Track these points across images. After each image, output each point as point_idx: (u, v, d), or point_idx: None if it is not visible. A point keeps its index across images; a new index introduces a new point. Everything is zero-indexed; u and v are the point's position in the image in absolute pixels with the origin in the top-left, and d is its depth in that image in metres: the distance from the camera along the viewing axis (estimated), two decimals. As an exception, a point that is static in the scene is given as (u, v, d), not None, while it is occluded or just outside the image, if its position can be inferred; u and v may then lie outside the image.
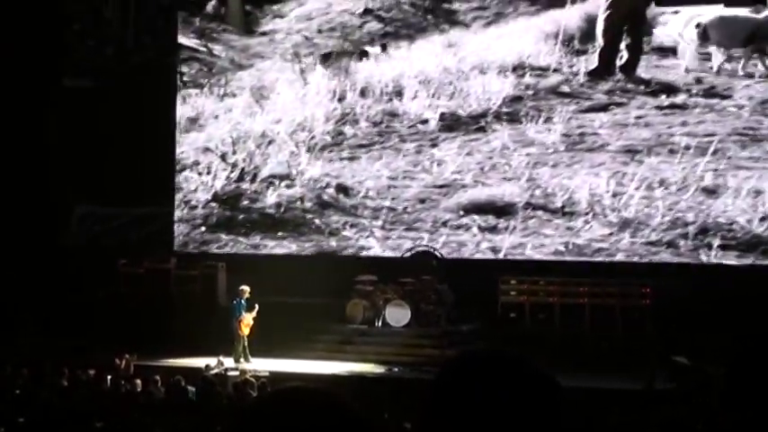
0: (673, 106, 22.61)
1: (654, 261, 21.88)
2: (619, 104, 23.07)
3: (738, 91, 22.19)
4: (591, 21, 23.38)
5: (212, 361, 19.33)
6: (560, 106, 23.43)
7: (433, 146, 24.30)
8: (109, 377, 16.37)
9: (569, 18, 23.58)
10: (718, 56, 22.34)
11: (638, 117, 22.87)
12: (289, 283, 22.27)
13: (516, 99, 23.80)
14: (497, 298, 21.79)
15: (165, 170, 25.69)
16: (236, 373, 18.55)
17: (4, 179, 25.26)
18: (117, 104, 25.30)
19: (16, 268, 23.91)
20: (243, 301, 20.59)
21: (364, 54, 25.05)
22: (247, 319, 20.44)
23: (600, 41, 23.28)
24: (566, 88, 23.53)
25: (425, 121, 24.41)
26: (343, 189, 24.72)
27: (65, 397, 14.38)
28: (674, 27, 22.43)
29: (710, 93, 22.39)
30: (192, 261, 24.34)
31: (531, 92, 23.75)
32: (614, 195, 22.58)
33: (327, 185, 24.85)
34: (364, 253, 24.10)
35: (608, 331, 20.51)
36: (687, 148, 22.27)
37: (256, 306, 20.52)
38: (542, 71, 23.76)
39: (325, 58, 25.26)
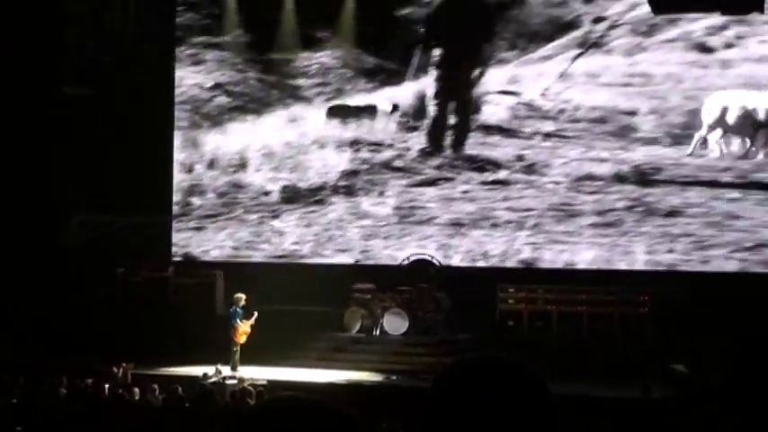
0: (496, 182, 23.87)
1: (652, 269, 22.13)
2: (447, 179, 24.34)
3: (555, 168, 23.39)
4: (422, 98, 24.66)
5: (210, 369, 19.22)
6: (393, 180, 24.81)
7: (275, 217, 25.39)
8: (107, 386, 16.28)
9: (404, 96, 24.86)
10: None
11: (464, 192, 24.15)
12: (287, 291, 22.22)
13: (352, 173, 25.07)
14: (496, 306, 21.85)
15: (164, 178, 25.71)
16: (234, 381, 18.47)
17: (4, 185, 25.14)
18: (116, 111, 25.22)
19: (15, 275, 23.78)
20: (239, 309, 20.49)
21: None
22: (244, 327, 20.34)
23: (430, 119, 24.42)
24: (399, 163, 24.86)
25: (268, 193, 25.46)
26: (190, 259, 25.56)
27: (62, 405, 14.28)
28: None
29: (530, 169, 23.62)
30: (190, 269, 24.44)
31: (366, 166, 25.03)
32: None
33: (175, 254, 25.73)
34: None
35: (606, 339, 20.54)
36: (508, 222, 23.59)
37: (255, 313, 20.43)
38: (377, 146, 25.01)
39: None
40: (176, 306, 23.50)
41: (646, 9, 22.32)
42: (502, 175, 23.96)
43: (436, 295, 21.98)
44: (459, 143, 24.29)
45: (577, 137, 23.52)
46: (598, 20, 23.48)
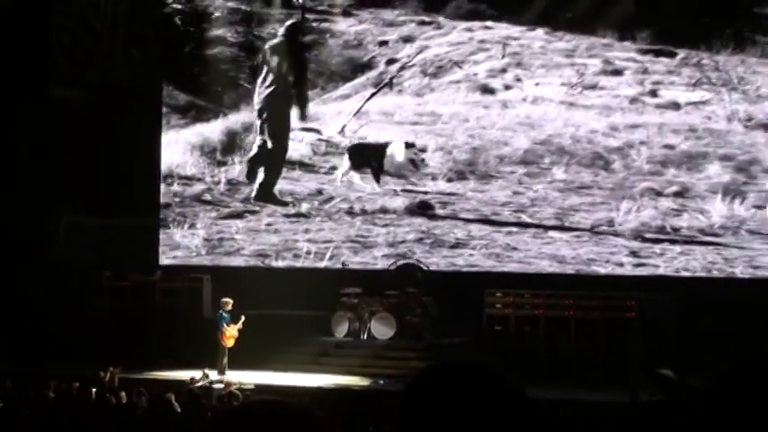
0: (298, 215, 24.89)
1: (639, 274, 22.40)
2: (252, 212, 25.36)
3: (352, 201, 24.63)
4: (231, 135, 25.69)
5: (197, 373, 19.17)
6: (203, 213, 25.59)
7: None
8: (94, 390, 16.19)
9: (212, 131, 25.82)
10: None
11: (269, 224, 25.14)
12: (274, 295, 22.23)
13: (165, 206, 25.87)
14: (483, 310, 21.79)
15: (151, 182, 25.56)
16: (222, 385, 18.37)
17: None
18: (105, 116, 25.01)
19: (1, 279, 23.69)
20: (225, 314, 20.54)
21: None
22: (231, 331, 20.37)
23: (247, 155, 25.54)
24: (208, 196, 25.71)
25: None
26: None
27: (49, 410, 14.22)
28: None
29: (329, 203, 24.80)
30: (177, 274, 24.26)
31: (177, 199, 25.84)
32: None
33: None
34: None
35: (593, 344, 20.57)
36: (308, 253, 24.56)
37: (242, 317, 20.48)
38: (188, 180, 25.90)
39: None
40: (163, 310, 23.33)
41: (434, 52, 24.11)
42: (303, 208, 24.99)
43: (424, 300, 22.07)
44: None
45: (372, 172, 24.71)
46: (391, 61, 24.87)
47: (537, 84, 23.90)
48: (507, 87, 24.14)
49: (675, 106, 22.94)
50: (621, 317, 20.82)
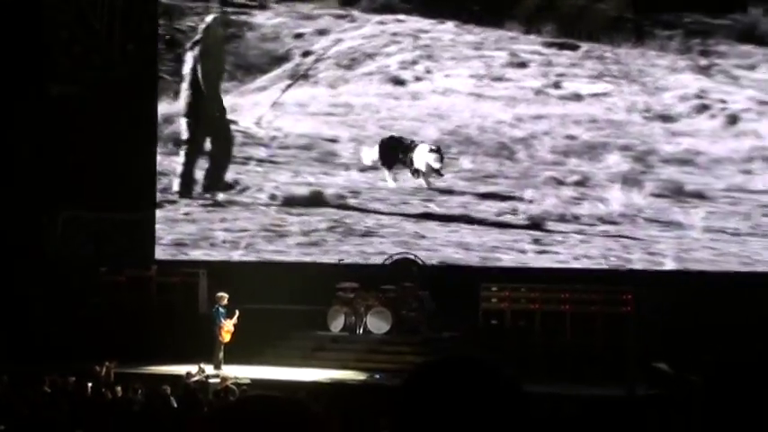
0: (215, 204, 25.46)
1: (635, 268, 22.46)
2: (170, 202, 25.77)
3: (266, 191, 25.07)
4: None
5: (193, 368, 19.05)
6: None
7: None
8: (89, 384, 16.09)
9: None
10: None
11: (186, 214, 25.65)
12: (270, 290, 22.23)
13: None
14: (479, 305, 21.82)
15: (148, 178, 25.57)
16: (217, 380, 18.30)
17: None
18: (102, 111, 25.07)
19: None
20: (221, 308, 20.53)
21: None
22: (227, 326, 20.37)
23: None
24: None
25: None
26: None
27: (45, 404, 14.15)
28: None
29: (245, 193, 25.21)
30: (173, 268, 24.24)
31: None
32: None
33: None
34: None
35: (589, 338, 20.58)
36: (224, 242, 25.15)
37: (237, 312, 20.44)
38: None
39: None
40: (159, 305, 23.36)
41: (348, 44, 24.55)
42: (220, 197, 25.45)
43: (420, 294, 22.05)
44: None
45: (287, 162, 25.18)
46: (306, 54, 25.33)
47: (446, 75, 24.37)
48: (418, 79, 24.59)
49: (578, 98, 23.46)
50: (618, 311, 20.88)
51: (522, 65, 23.96)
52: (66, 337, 21.87)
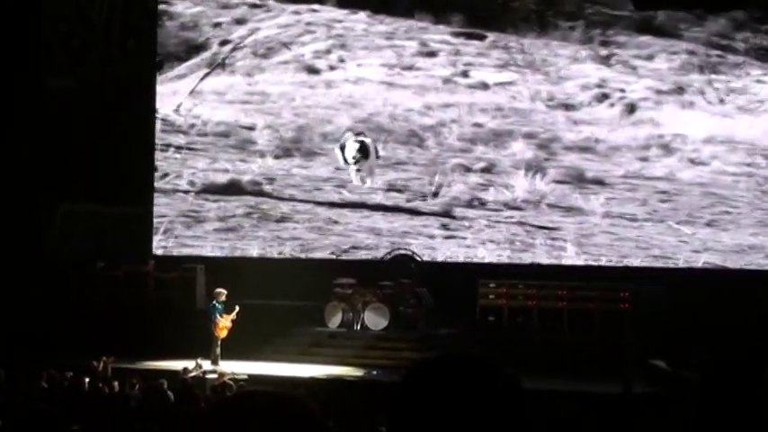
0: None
1: (632, 265, 22.54)
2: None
3: (185, 177, 25.57)
4: None
5: (190, 364, 19.08)
6: None
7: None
8: (87, 380, 16.07)
9: None
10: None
11: None
12: (268, 285, 22.27)
13: None
14: (476, 301, 21.76)
15: (145, 173, 25.69)
16: (215, 375, 18.32)
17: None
18: (100, 106, 25.20)
19: None
20: (218, 304, 20.55)
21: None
22: (224, 322, 20.38)
23: None
24: None
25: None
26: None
27: (42, 400, 14.03)
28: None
29: (164, 179, 25.74)
30: (171, 264, 24.21)
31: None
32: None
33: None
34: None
35: (586, 335, 20.50)
36: None
37: (236, 308, 20.43)
38: None
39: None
40: (156, 300, 23.39)
41: (264, 34, 25.11)
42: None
43: (417, 290, 22.05)
44: None
45: (205, 149, 25.71)
46: (224, 42, 25.78)
47: (359, 65, 24.91)
48: (332, 68, 25.12)
49: (484, 86, 24.03)
50: (615, 308, 20.79)
51: (432, 54, 24.51)
52: (64, 332, 21.92)
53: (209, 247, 25.14)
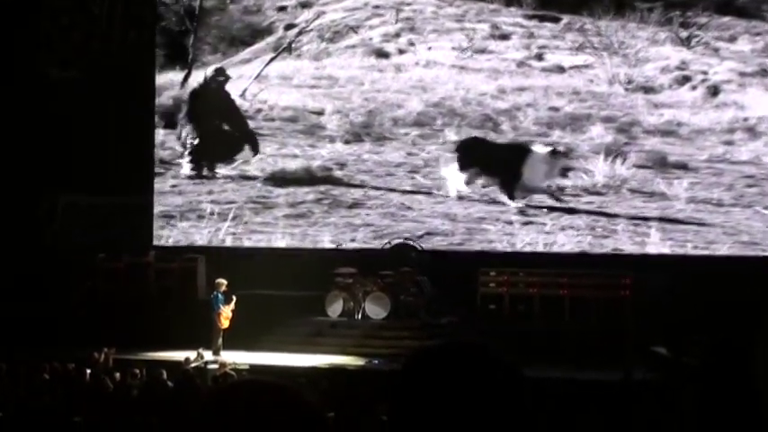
0: (201, 176, 25.58)
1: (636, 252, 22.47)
2: (157, 174, 25.88)
3: (253, 163, 25.29)
4: None
5: (192, 354, 18.95)
6: None
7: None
8: (88, 371, 16.09)
9: None
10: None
11: (173, 186, 25.77)
12: (268, 275, 22.26)
13: None
14: (477, 290, 21.80)
15: (146, 163, 25.62)
16: (216, 366, 18.22)
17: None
18: (101, 97, 24.97)
19: None
20: (220, 294, 20.55)
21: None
22: (226, 312, 20.41)
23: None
24: None
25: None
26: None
27: (43, 392, 14.07)
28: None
29: (231, 165, 25.45)
30: (172, 254, 24.19)
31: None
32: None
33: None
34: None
35: (587, 322, 20.52)
36: (212, 213, 25.12)
37: (234, 298, 20.47)
38: None
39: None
40: (158, 291, 23.38)
41: (330, 17, 24.70)
42: (205, 170, 25.61)
43: (418, 279, 22.03)
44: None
45: (272, 134, 25.36)
46: (289, 27, 25.43)
47: (429, 48, 24.63)
48: (401, 51, 24.86)
49: (560, 70, 23.78)
50: (616, 295, 20.84)
51: (504, 37, 24.22)
52: (65, 323, 21.92)
53: (280, 234, 24.79)
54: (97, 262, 23.79)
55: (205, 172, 25.44)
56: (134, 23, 26.35)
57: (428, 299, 22.01)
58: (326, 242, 24.38)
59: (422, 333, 20.67)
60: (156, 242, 25.21)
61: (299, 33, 25.36)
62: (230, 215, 25.09)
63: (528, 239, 23.22)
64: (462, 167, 23.71)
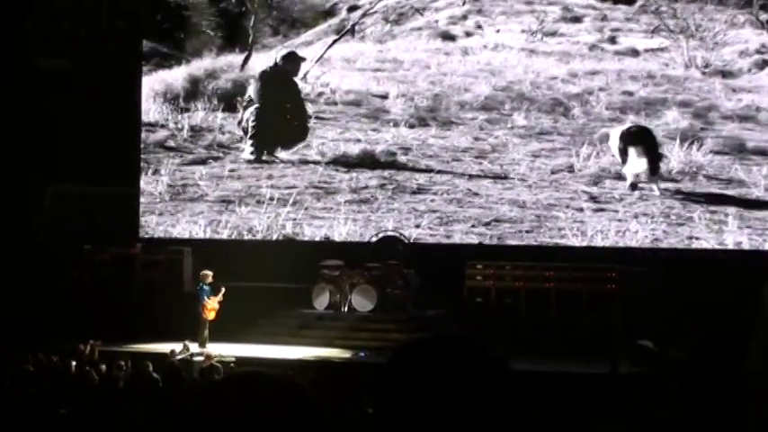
0: (260, 161, 25.05)
1: (622, 245, 22.29)
2: (215, 158, 25.37)
3: (314, 148, 24.74)
4: (194, 81, 25.79)
5: (178, 346, 18.96)
6: (166, 159, 25.70)
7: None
8: (74, 363, 16.10)
9: (175, 78, 25.97)
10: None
11: (232, 170, 25.23)
12: (255, 267, 22.08)
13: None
14: (464, 283, 21.67)
15: (133, 152, 25.59)
16: (202, 358, 18.21)
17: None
18: (90, 85, 24.79)
19: None
20: (206, 286, 20.53)
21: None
22: (211, 304, 20.36)
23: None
24: (171, 143, 25.80)
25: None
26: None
27: (29, 383, 14.12)
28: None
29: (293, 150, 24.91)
30: (158, 246, 24.13)
31: (141, 145, 25.91)
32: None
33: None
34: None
35: (574, 315, 20.45)
36: (272, 198, 24.59)
37: (222, 289, 20.41)
38: (151, 126, 26.03)
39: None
40: (144, 283, 23.31)
41: (395, -1, 24.21)
42: (266, 154, 25.08)
43: (404, 272, 21.95)
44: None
45: (334, 118, 24.83)
46: (353, 8, 24.94)
47: (497, 31, 24.14)
48: (468, 34, 24.38)
49: (634, 53, 23.26)
50: (602, 289, 20.70)
51: (576, 20, 23.68)
52: (51, 315, 21.81)
53: (342, 220, 24.24)
54: (83, 253, 23.67)
55: (265, 156, 24.88)
56: (122, 13, 26.20)
57: (415, 292, 21.93)
58: (390, 227, 23.74)
59: (408, 326, 20.64)
60: (213, 228, 24.68)
61: (363, 15, 24.90)
62: (290, 200, 24.54)
63: (599, 227, 22.62)
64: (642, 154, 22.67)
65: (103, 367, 15.76)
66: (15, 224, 24.83)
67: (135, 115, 25.63)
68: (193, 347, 19.30)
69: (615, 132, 22.73)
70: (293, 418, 2.20)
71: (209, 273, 20.61)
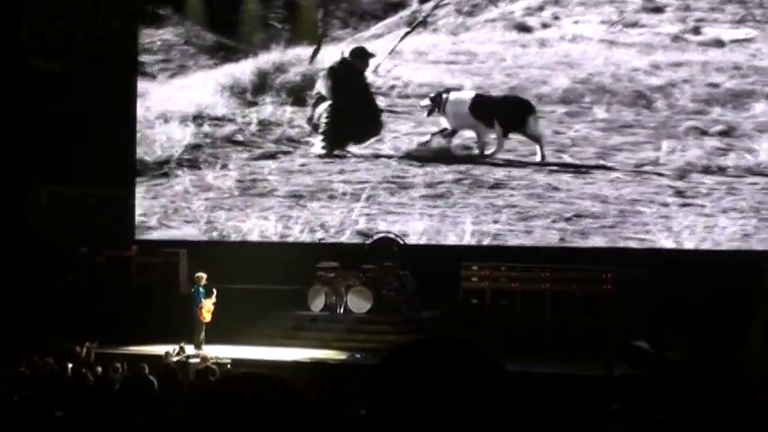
0: (333, 156, 24.61)
1: (616, 246, 22.22)
2: (285, 153, 24.94)
3: (387, 142, 24.26)
4: (262, 75, 25.37)
5: (173, 348, 18.96)
6: (235, 154, 25.32)
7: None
8: (70, 365, 16.05)
9: (242, 72, 25.51)
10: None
11: (302, 165, 24.84)
12: (251, 269, 21.95)
13: (196, 147, 25.56)
14: (459, 284, 21.68)
15: (129, 154, 25.52)
16: (198, 360, 18.23)
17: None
18: (86, 86, 24.65)
19: None
20: (201, 288, 20.58)
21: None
22: (207, 305, 20.41)
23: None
24: (239, 137, 25.40)
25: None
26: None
27: (24, 386, 14.06)
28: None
29: (365, 144, 24.45)
30: (153, 249, 24.09)
31: (209, 140, 25.51)
32: (281, 237, 24.29)
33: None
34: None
35: (569, 317, 20.47)
36: (344, 194, 24.14)
37: (214, 291, 20.43)
38: (219, 121, 25.54)
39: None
40: (139, 286, 23.32)
41: (469, -11, 23.68)
42: (338, 149, 24.63)
43: (400, 274, 21.92)
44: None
45: (407, 112, 24.30)
46: (424, 0, 24.37)
47: (575, 22, 23.58)
48: (545, 26, 23.82)
49: (719, 44, 22.70)
50: (598, 290, 20.73)
51: (658, 10, 23.15)
52: (46, 317, 21.85)
53: (417, 215, 23.74)
54: (79, 256, 23.63)
55: (336, 151, 24.39)
56: (119, 13, 26.12)
57: (410, 293, 21.92)
58: (468, 223, 23.24)
59: (404, 327, 20.62)
60: (284, 224, 24.13)
61: (435, 7, 24.34)
62: (363, 195, 24.03)
63: (686, 222, 22.14)
64: None
65: (99, 369, 15.79)
66: (12, 226, 24.76)
67: (131, 116, 25.55)
68: (189, 349, 19.32)
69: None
70: (289, 419, 2.22)
71: (203, 275, 20.67)
